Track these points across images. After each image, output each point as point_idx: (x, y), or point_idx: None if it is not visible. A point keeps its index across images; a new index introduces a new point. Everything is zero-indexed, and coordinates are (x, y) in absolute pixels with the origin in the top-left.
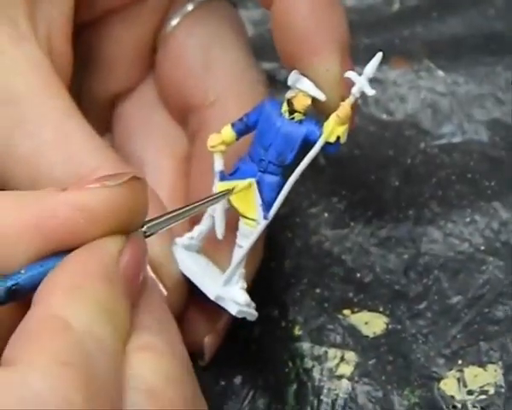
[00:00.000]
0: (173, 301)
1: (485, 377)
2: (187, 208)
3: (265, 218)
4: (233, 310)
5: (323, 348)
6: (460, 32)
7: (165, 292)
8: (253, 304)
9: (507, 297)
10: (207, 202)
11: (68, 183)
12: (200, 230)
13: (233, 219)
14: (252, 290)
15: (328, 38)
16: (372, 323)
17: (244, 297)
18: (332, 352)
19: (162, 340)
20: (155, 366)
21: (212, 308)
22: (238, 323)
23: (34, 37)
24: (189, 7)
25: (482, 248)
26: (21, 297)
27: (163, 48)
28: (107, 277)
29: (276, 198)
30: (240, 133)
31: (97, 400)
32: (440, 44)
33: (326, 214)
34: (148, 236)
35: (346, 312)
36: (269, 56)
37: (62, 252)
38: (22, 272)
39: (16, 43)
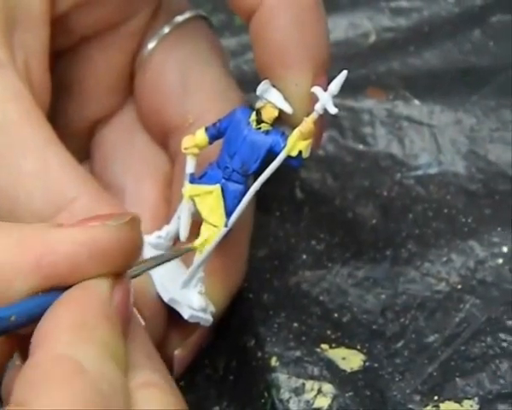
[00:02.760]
0: (152, 330)
1: None
2: (168, 255)
3: (225, 225)
4: (185, 314)
5: (300, 380)
6: (436, 65)
7: (142, 322)
8: (211, 308)
9: (483, 334)
10: (187, 250)
11: (47, 213)
12: (168, 230)
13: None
14: (229, 318)
15: (302, 54)
16: (349, 359)
17: (199, 302)
18: (309, 384)
19: (159, 375)
20: (161, 401)
21: (185, 322)
22: (216, 352)
23: (12, 66)
24: (166, 29)
25: (459, 286)
26: (12, 331)
27: (141, 72)
28: (106, 315)
29: (236, 205)
30: (212, 138)
31: None
32: (417, 78)
33: (304, 256)
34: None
35: (324, 346)
36: (246, 87)
37: (56, 290)
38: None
39: None
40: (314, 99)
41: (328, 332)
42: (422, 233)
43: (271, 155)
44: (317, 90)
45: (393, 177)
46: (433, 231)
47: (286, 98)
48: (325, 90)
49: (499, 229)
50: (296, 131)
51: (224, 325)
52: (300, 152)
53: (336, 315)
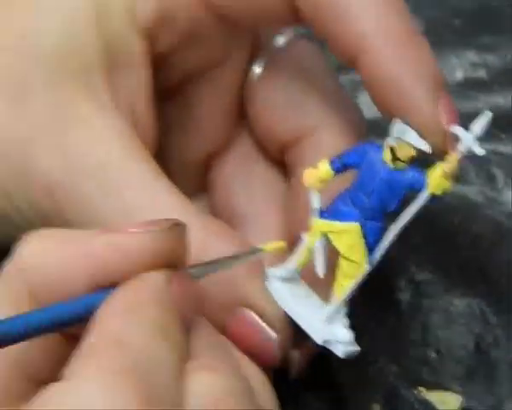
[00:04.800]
0: (281, 341)
1: None
2: (233, 258)
3: (370, 264)
4: (339, 352)
5: None
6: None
7: (274, 335)
8: (353, 335)
9: None
10: (252, 253)
11: None
12: (296, 261)
13: (330, 254)
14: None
15: (416, 80)
16: (447, 401)
17: (348, 336)
18: None
19: (220, 361)
20: (215, 381)
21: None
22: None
23: (115, 105)
24: (270, 52)
25: None
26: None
27: (251, 96)
28: (160, 302)
29: (377, 242)
30: (338, 171)
31: None
32: (501, 116)
33: (399, 295)
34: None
35: (421, 388)
36: None
37: (105, 288)
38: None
39: (97, 113)
40: (454, 136)
41: (425, 376)
42: None
43: (411, 191)
44: (457, 130)
45: (484, 212)
46: None
47: (419, 132)
48: (455, 113)
49: None
50: (440, 171)
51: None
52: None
53: (433, 355)
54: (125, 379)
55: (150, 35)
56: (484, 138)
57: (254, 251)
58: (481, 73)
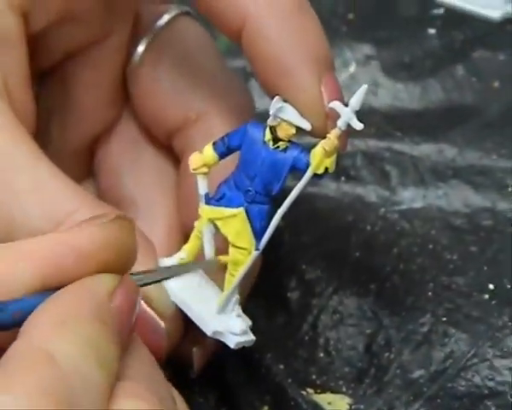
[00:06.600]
0: (170, 332)
1: None
2: (178, 268)
3: (256, 249)
4: (231, 343)
5: None
6: (418, 103)
7: (162, 324)
8: (249, 323)
9: (470, 371)
10: (199, 265)
11: (46, 228)
12: (188, 249)
13: (224, 240)
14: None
15: (299, 57)
16: (335, 403)
17: (240, 326)
18: None
19: (151, 392)
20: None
21: None
22: (207, 387)
23: None
24: (151, 33)
25: (444, 319)
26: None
27: (134, 79)
28: (97, 315)
29: (265, 226)
30: (222, 155)
31: None
32: (398, 114)
33: (289, 294)
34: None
35: (310, 390)
36: None
37: (53, 290)
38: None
39: None
40: (334, 114)
41: (314, 377)
42: (407, 268)
43: (294, 171)
44: (336, 105)
45: (377, 211)
46: (418, 267)
47: (299, 110)
48: (339, 94)
49: (485, 268)
50: (320, 149)
51: (215, 363)
52: (326, 168)
53: (322, 355)
54: (50, 402)
55: (25, 12)
56: (379, 136)
57: (201, 264)
58: (375, 67)
